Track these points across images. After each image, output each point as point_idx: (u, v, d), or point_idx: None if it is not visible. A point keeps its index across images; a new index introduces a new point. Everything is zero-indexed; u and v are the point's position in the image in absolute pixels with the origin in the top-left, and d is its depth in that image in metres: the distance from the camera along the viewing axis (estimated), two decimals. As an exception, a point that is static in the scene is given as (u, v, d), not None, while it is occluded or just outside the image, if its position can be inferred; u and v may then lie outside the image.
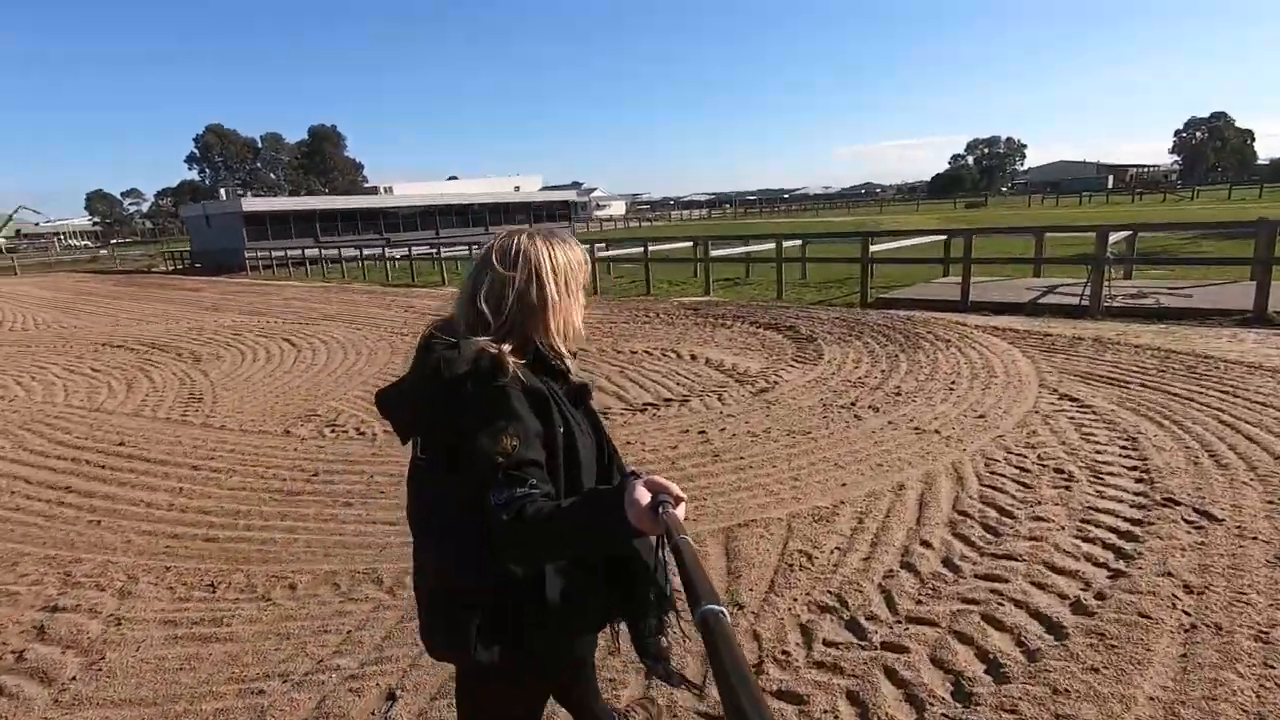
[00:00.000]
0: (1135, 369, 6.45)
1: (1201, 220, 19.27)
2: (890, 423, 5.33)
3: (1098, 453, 4.46)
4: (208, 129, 73.50)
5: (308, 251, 28.92)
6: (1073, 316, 9.63)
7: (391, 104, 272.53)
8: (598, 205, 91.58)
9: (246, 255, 32.40)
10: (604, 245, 21.73)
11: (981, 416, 5.33)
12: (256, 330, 11.86)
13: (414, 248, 24.38)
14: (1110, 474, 4.13)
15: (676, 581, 1.04)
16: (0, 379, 8.83)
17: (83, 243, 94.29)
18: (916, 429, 5.15)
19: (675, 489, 1.07)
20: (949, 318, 9.79)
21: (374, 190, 62.36)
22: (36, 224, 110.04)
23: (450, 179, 75.40)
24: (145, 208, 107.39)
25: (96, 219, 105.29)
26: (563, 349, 1.38)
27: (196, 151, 73.99)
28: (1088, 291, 10.00)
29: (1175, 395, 5.55)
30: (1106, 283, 10.02)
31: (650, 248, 18.66)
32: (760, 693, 0.67)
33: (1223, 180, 76.72)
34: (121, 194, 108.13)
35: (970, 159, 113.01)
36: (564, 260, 1.38)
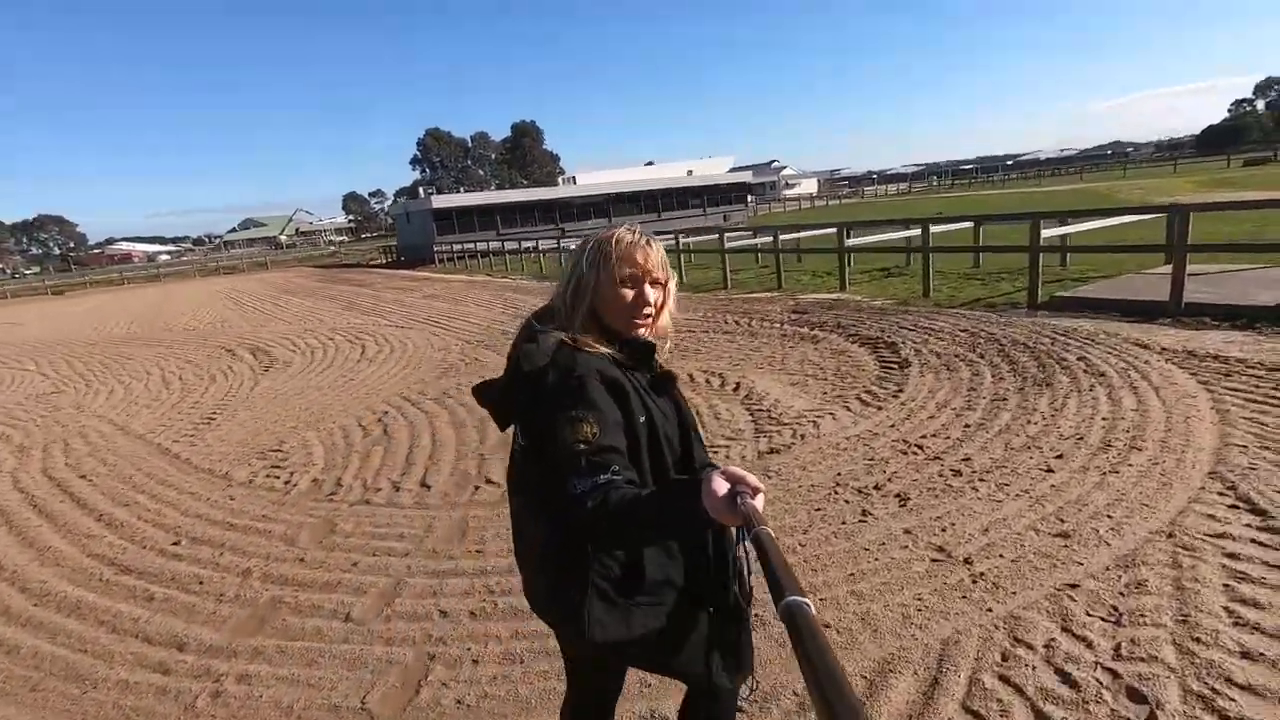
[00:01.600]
0: None
1: None
2: (908, 531, 3.49)
3: (1242, 654, 2.38)
4: (427, 132, 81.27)
5: (481, 245, 30.28)
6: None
7: (589, 92, 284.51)
8: (787, 184, 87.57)
9: (435, 249, 35.01)
10: (750, 234, 20.00)
11: (1064, 535, 3.29)
12: (353, 332, 12.05)
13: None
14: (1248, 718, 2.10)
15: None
16: (110, 377, 9.67)
17: (341, 237, 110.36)
18: (939, 550, 3.27)
19: (753, 480, 1.07)
20: (1133, 331, 7.09)
21: (558, 181, 64.89)
22: (310, 223, 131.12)
23: (646, 164, 76.40)
24: (387, 205, 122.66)
25: (351, 217, 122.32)
26: (641, 336, 1.42)
27: (418, 154, 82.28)
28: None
29: None
30: None
31: (792, 235, 16.71)
32: (848, 683, 0.65)
33: None
34: (369, 194, 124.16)
35: (1261, 104, 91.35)
36: (615, 244, 1.40)
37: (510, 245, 27.61)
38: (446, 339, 10.49)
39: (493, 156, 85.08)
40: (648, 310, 1.42)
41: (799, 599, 0.77)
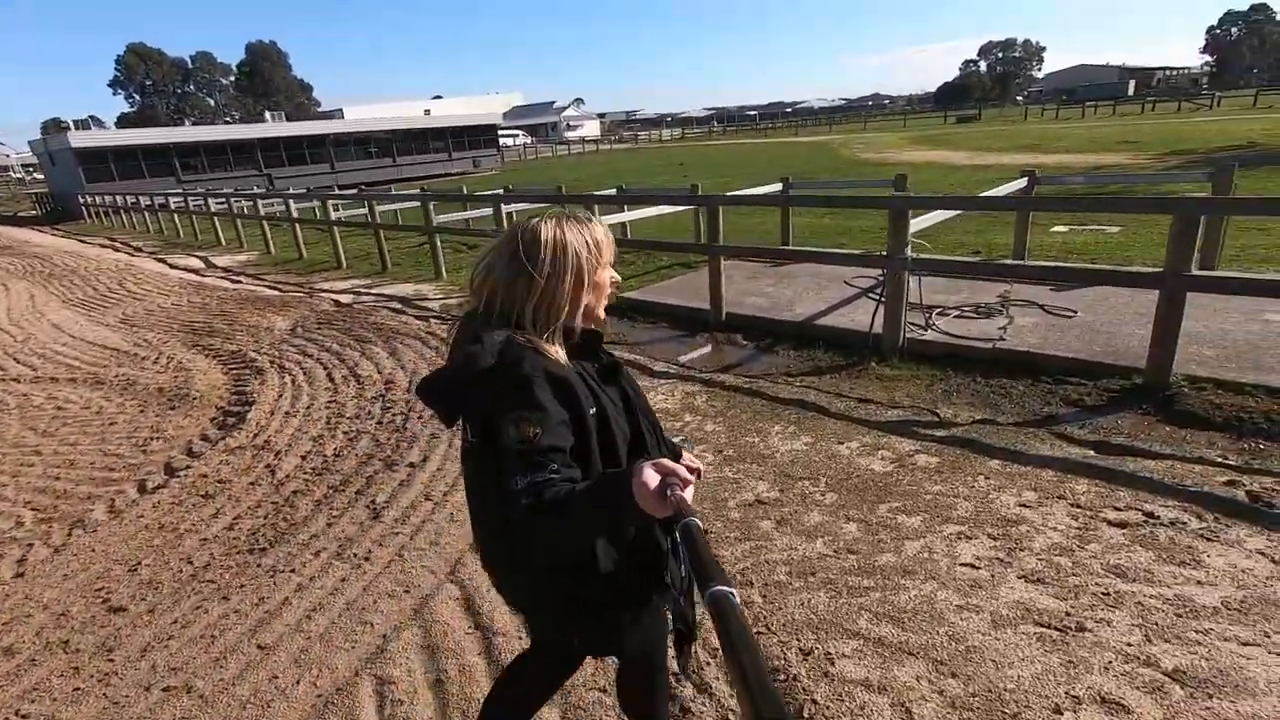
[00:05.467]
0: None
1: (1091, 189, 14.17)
2: None
3: None
4: (128, 49, 66.29)
5: (149, 198, 23.59)
6: (853, 354, 5.33)
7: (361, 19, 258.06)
8: (569, 125, 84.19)
9: (82, 200, 27.86)
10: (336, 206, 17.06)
11: None
12: None
13: (288, 194, 19.06)
14: None
15: None
16: None
17: (42, 174, 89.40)
18: None
19: (684, 472, 1.05)
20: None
21: (332, 114, 56.00)
22: (7, 155, 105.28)
23: (435, 98, 68.78)
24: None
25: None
26: (580, 328, 1.37)
27: (119, 74, 67.46)
28: (880, 310, 5.49)
29: None
30: (915, 286, 5.52)
31: (390, 206, 14.09)
32: (768, 671, 0.67)
33: (1259, 82, 67.92)
34: (74, 122, 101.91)
35: (983, 65, 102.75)
36: (575, 241, 1.33)
37: (195, 197, 21.08)
38: None
39: (223, 82, 72.46)
40: (607, 298, 1.42)
41: (724, 588, 0.77)
